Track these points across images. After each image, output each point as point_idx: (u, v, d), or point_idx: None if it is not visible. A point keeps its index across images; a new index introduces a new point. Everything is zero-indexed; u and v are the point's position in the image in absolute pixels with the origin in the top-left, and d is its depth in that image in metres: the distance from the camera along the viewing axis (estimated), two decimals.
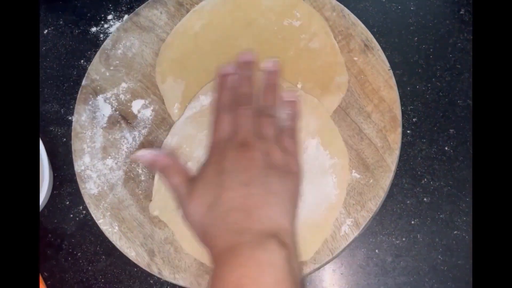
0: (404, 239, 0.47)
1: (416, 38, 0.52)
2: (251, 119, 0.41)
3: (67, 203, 0.50)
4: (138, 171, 0.47)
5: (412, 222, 0.48)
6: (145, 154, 0.42)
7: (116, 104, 0.49)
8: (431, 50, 0.52)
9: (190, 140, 0.46)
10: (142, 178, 0.47)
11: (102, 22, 0.55)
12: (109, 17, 0.56)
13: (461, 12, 0.53)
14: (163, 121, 0.48)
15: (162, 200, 0.46)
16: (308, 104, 0.47)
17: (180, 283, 0.44)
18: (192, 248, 0.44)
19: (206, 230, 0.36)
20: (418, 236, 0.47)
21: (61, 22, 0.56)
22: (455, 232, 0.47)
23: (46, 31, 0.55)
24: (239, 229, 0.34)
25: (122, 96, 0.49)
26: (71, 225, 0.49)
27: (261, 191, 0.36)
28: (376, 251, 0.47)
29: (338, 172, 0.45)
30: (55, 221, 0.50)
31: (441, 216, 0.47)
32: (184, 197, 0.38)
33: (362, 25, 0.49)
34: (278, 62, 0.46)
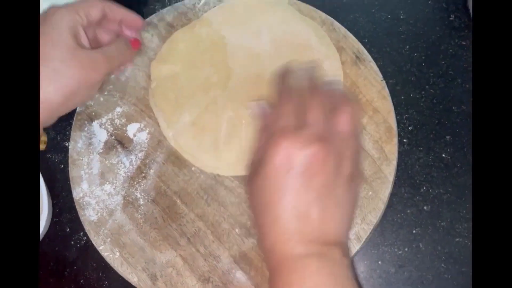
0: (406, 249, 0.47)
1: (407, 47, 0.52)
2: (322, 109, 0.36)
3: (68, 230, 0.50)
4: (136, 195, 0.47)
5: (414, 232, 0.47)
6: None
7: (112, 129, 0.49)
8: (423, 57, 0.52)
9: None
10: (141, 202, 0.47)
11: None
12: None
13: (451, 18, 0.53)
14: (159, 144, 0.48)
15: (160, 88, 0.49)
16: None
17: None
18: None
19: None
20: (420, 245, 0.47)
21: None
22: (457, 239, 0.47)
23: None
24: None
25: (117, 121, 0.49)
26: (72, 252, 0.49)
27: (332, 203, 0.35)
28: (379, 262, 0.47)
29: None
30: (56, 248, 0.49)
31: (442, 223, 0.47)
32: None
33: (353, 37, 0.49)
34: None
